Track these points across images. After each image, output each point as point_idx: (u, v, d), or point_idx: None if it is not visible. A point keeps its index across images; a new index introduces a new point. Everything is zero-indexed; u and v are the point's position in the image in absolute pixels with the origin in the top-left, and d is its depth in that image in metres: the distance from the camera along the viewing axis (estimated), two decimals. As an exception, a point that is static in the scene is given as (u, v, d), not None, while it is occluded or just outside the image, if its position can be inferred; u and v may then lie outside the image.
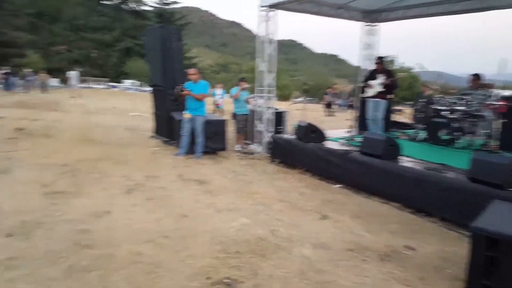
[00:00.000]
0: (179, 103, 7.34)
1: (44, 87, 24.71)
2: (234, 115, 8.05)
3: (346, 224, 3.79)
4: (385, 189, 4.70)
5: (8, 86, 22.80)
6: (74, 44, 44.88)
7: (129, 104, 18.97)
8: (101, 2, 51.53)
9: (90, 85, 40.34)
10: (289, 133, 7.53)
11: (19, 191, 4.03)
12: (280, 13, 6.95)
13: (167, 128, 7.73)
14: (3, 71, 24.21)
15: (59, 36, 44.53)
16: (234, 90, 7.78)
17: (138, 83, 41.90)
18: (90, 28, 46.41)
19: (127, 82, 42.68)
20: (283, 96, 40.44)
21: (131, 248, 2.91)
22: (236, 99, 7.83)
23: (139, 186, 4.61)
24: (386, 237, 3.46)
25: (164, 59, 7.67)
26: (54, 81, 27.76)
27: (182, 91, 6.45)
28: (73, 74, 24.30)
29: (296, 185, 5.30)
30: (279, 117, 8.01)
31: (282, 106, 11.22)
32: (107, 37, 47.40)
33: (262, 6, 6.87)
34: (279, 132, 7.67)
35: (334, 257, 3.00)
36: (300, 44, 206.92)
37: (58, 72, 35.21)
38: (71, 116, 11.67)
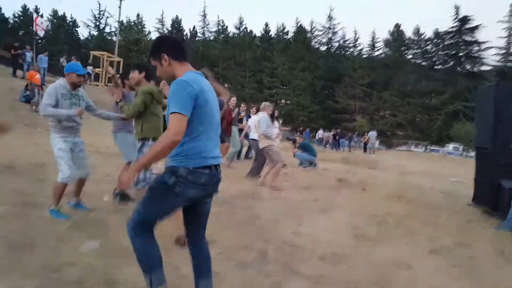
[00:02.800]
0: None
1: (365, 147, 28.31)
2: None
3: None
4: None
5: (336, 146, 27.85)
6: (399, 109, 48.80)
7: (449, 169, 18.28)
8: (434, 67, 53.65)
9: (409, 148, 42.12)
10: None
11: (333, 228, 4.91)
12: None
13: (490, 197, 6.93)
14: (333, 133, 29.87)
15: (386, 102, 49.90)
16: None
17: (461, 147, 39.61)
18: (417, 93, 49.07)
19: (450, 147, 41.23)
20: None
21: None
22: None
23: (445, 251, 4.43)
24: None
25: (497, 119, 7.12)
26: (376, 143, 31.13)
27: None
28: (371, 134, 27.32)
29: None
30: None
31: None
32: (434, 101, 48.38)
33: None
34: None
35: None
36: None
37: (381, 135, 39.34)
38: (386, 174, 12.71)
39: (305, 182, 8.20)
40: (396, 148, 41.46)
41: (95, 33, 63.09)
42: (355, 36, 60.27)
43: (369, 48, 59.87)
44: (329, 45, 59.60)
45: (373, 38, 60.04)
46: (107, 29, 63.20)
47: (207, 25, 66.15)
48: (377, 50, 59.78)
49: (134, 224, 2.21)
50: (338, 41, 59.99)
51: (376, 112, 51.95)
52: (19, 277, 2.65)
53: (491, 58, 50.58)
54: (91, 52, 31.43)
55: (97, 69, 28.77)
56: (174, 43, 2.28)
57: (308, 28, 59.65)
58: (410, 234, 5.07)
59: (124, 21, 60.06)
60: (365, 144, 28.53)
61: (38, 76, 15.46)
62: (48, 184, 5.23)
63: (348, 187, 8.50)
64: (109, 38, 60.79)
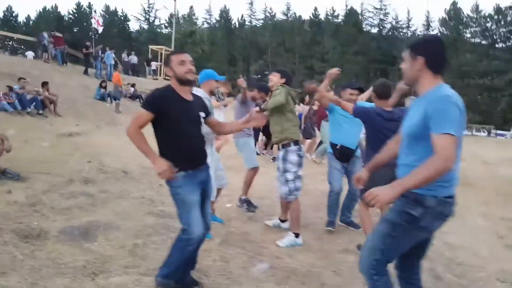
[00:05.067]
0: None
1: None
2: None
3: None
4: None
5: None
6: (458, 91, 45.24)
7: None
8: (495, 45, 49.61)
9: (471, 133, 39.42)
10: None
11: (478, 236, 4.38)
12: None
13: None
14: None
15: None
16: None
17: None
18: (478, 74, 45.68)
19: (517, 129, 38.29)
20: None
21: None
22: None
23: None
24: None
25: None
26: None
27: None
28: None
29: None
30: None
31: None
32: (497, 82, 44.85)
33: None
34: None
35: None
36: None
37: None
38: (472, 165, 11.66)
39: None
40: (458, 133, 38.94)
41: (145, 27, 63.74)
42: (408, 16, 57.06)
43: (423, 29, 56.37)
44: (381, 27, 56.89)
45: (427, 17, 56.47)
46: (157, 22, 64.11)
47: (254, 13, 65.52)
48: (432, 30, 56.11)
49: (377, 264, 1.93)
50: (390, 22, 57.20)
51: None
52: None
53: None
54: (150, 47, 31.60)
55: (155, 63, 29.04)
56: (439, 51, 1.92)
57: (358, 10, 57.32)
58: None
59: (175, 14, 60.98)
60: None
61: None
62: (168, 189, 5.16)
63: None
64: (159, 30, 61.49)
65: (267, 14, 64.46)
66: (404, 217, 1.86)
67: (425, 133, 1.78)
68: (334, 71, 3.74)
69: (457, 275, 3.24)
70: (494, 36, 50.29)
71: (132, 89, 17.62)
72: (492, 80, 46.05)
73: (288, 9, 62.93)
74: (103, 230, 3.38)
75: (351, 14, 55.51)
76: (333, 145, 4.12)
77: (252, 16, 65.60)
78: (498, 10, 49.35)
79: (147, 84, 21.19)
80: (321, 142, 9.17)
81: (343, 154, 4.05)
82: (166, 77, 27.66)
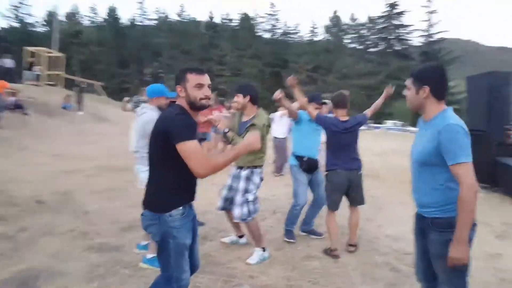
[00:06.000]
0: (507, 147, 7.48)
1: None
2: None
3: None
4: None
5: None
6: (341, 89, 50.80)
7: (408, 146, 19.30)
8: (367, 50, 56.37)
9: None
10: None
11: (404, 224, 4.84)
12: None
13: (488, 174, 7.48)
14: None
15: (331, 85, 51.50)
16: None
17: (400, 123, 42.50)
18: (357, 75, 51.33)
19: (389, 123, 44.15)
20: None
21: None
22: None
23: None
24: None
25: (490, 105, 7.78)
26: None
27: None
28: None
29: None
30: None
31: None
32: (372, 81, 50.95)
33: None
34: None
35: None
36: None
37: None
38: (370, 158, 12.98)
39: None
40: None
41: (16, 25, 55.30)
42: (296, 23, 61.37)
43: (310, 34, 61.14)
44: (273, 32, 59.96)
45: (313, 24, 61.57)
46: (30, 20, 56.50)
47: (145, 13, 62.80)
48: (318, 36, 61.33)
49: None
50: (281, 27, 60.73)
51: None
52: None
53: (416, 40, 54.54)
54: (25, 48, 26.15)
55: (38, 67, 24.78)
56: (441, 79, 2.03)
57: (251, 15, 59.54)
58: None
59: (56, 11, 54.51)
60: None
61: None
62: (96, 216, 4.59)
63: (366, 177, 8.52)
64: (33, 29, 54.42)
65: (160, 16, 62.55)
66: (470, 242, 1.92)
67: (437, 160, 1.91)
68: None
69: (409, 264, 3.51)
70: (367, 42, 57.12)
71: (13, 98, 14.94)
72: (368, 80, 52.19)
73: (183, 11, 62.12)
74: (44, 280, 2.79)
75: (245, 19, 57.30)
76: (299, 158, 4.13)
77: (144, 16, 62.89)
78: (370, 19, 56.20)
79: (27, 91, 17.96)
80: None
81: (310, 166, 4.11)
82: (49, 83, 23.91)
